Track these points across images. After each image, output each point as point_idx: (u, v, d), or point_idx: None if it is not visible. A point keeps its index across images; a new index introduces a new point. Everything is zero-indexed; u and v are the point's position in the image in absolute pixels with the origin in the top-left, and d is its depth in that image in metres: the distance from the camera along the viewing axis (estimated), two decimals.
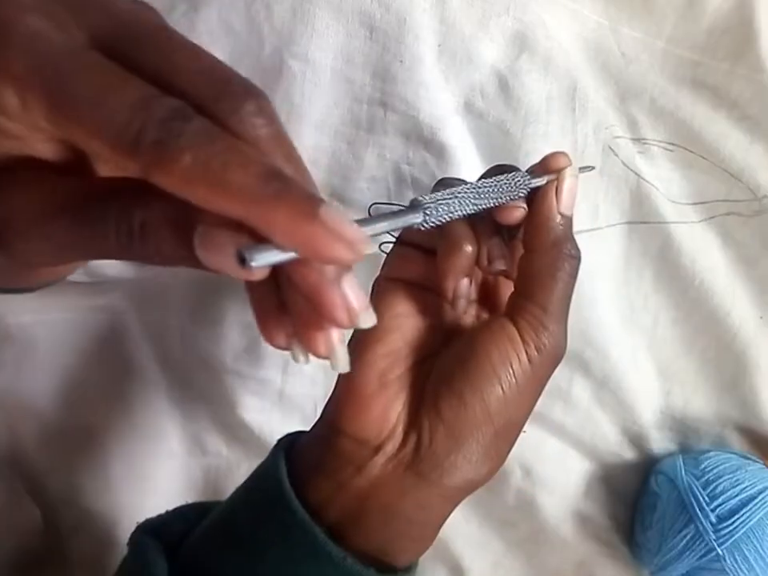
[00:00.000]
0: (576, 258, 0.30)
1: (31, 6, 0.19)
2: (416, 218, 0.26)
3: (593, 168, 0.34)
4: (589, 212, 0.45)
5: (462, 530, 0.49)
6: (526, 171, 0.31)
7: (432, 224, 0.27)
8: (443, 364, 0.30)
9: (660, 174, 0.46)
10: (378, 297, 0.32)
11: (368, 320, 0.20)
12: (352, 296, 0.19)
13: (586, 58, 0.44)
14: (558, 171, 0.30)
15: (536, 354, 0.29)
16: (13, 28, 0.18)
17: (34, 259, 0.22)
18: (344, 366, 0.22)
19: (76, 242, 0.20)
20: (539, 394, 0.31)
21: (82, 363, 0.44)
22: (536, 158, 0.43)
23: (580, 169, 0.31)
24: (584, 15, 0.43)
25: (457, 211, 0.27)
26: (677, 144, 0.45)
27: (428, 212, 0.26)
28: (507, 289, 0.32)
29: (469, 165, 0.43)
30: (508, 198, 0.29)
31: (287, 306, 0.21)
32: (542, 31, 0.42)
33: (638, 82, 0.44)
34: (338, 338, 0.21)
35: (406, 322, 0.31)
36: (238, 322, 0.44)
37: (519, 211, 0.30)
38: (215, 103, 0.19)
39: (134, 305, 0.44)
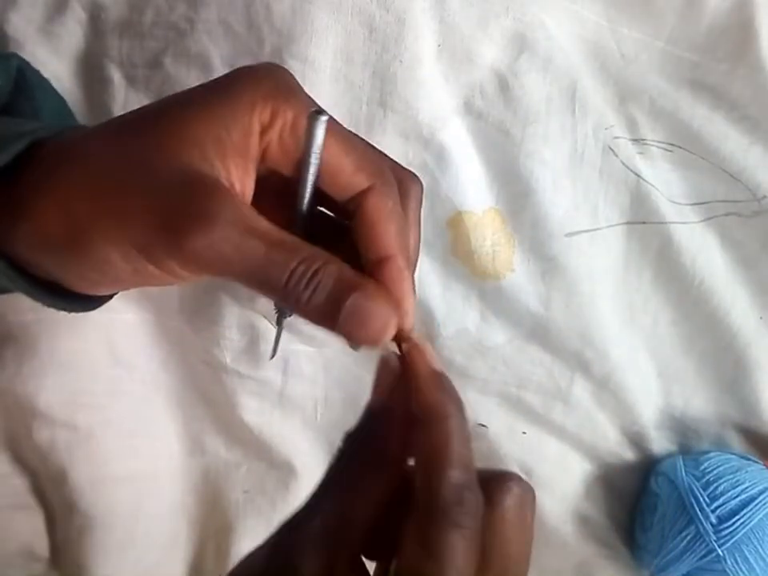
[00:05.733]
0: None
1: None
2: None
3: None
4: (589, 212, 0.45)
5: None
6: None
7: None
8: None
9: (660, 174, 0.46)
10: None
11: None
12: None
13: (586, 58, 0.44)
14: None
15: None
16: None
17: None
18: None
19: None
20: None
21: (83, 363, 0.44)
22: (536, 158, 0.43)
23: None
24: (583, 16, 0.43)
25: None
26: (676, 144, 0.45)
27: None
28: None
29: (468, 165, 0.43)
30: None
31: None
32: (541, 32, 0.42)
33: (638, 82, 0.44)
34: None
35: None
36: (237, 322, 0.44)
37: None
38: None
39: (133, 305, 0.44)
